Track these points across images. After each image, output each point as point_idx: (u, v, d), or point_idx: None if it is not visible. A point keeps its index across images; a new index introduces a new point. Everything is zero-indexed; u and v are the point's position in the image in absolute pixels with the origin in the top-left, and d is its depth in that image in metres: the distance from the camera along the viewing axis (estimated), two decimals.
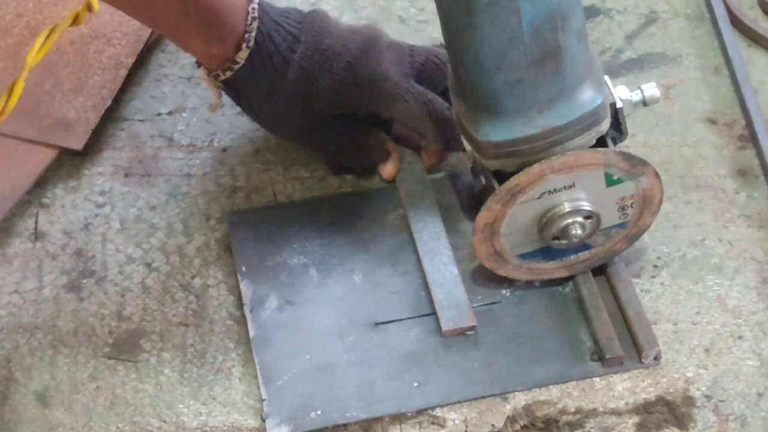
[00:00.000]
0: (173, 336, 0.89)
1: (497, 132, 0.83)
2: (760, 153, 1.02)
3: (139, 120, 1.05)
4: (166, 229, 0.96)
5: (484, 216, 0.85)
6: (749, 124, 1.05)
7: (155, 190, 0.99)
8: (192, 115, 1.05)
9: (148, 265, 0.93)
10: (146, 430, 0.83)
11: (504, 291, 0.92)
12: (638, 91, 0.86)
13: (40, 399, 0.85)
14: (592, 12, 1.16)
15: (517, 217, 0.85)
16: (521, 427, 0.85)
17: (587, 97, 0.82)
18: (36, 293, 0.91)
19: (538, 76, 0.80)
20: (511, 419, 0.85)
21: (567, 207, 0.85)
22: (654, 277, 0.94)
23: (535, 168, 0.82)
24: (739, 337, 0.90)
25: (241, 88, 0.94)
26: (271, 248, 0.94)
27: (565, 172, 0.83)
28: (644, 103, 0.86)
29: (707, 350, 0.89)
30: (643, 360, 0.87)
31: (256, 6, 0.90)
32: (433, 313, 0.90)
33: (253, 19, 0.90)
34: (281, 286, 0.91)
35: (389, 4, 1.16)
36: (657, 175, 0.85)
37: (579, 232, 0.85)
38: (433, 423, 0.85)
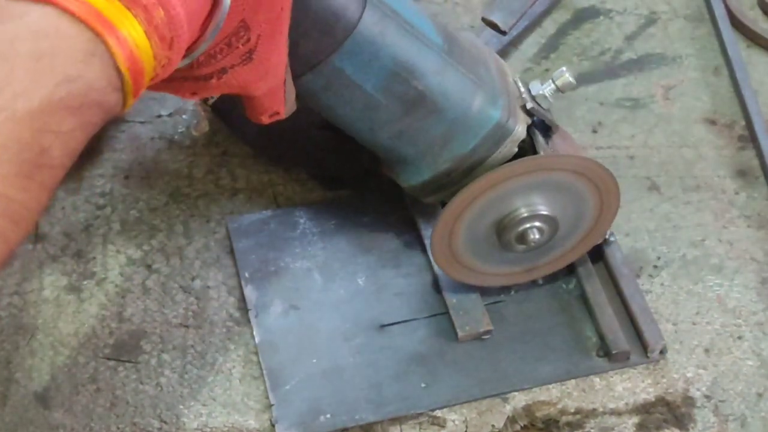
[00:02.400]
0: (173, 337, 0.89)
1: (413, 177, 0.84)
2: (759, 153, 1.02)
3: (140, 122, 1.05)
4: (167, 231, 0.96)
5: (436, 247, 0.85)
6: (749, 124, 1.05)
7: (155, 191, 0.99)
8: (192, 117, 1.05)
9: (149, 266, 0.93)
10: (146, 431, 0.83)
11: (508, 289, 0.92)
12: (549, 81, 0.84)
13: (41, 400, 0.85)
14: (591, 13, 1.16)
15: (471, 234, 0.84)
16: (521, 427, 0.85)
17: (484, 116, 0.80)
18: (36, 294, 0.91)
19: (418, 121, 0.80)
20: (511, 419, 0.85)
21: (524, 212, 0.83)
22: (654, 277, 0.94)
23: (455, 203, 0.81)
24: (739, 338, 0.90)
25: (231, 109, 0.94)
26: (273, 253, 0.94)
27: (490, 192, 0.81)
28: (560, 91, 0.84)
29: (707, 350, 0.89)
30: (649, 354, 0.87)
31: None
32: (439, 314, 0.90)
33: None
34: (285, 291, 0.91)
35: None
36: (604, 168, 0.83)
37: (537, 236, 0.84)
38: (433, 423, 0.85)
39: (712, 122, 1.06)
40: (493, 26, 1.03)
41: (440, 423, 0.85)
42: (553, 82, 0.83)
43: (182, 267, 0.94)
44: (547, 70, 1.10)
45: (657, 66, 1.11)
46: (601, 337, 0.88)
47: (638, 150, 1.03)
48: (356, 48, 0.75)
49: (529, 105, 0.82)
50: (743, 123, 1.06)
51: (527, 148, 0.83)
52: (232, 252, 0.94)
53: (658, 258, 0.95)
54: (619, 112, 1.07)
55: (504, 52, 1.11)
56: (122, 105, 0.55)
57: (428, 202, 0.88)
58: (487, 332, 0.88)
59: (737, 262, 0.95)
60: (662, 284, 0.93)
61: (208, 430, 0.84)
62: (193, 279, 0.93)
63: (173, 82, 0.65)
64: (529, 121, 0.82)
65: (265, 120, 0.75)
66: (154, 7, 0.54)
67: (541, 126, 0.84)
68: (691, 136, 1.05)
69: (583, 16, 1.16)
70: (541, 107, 0.83)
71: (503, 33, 1.04)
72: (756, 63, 1.11)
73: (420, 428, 0.84)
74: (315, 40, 0.74)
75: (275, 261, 0.93)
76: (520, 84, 0.84)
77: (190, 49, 0.61)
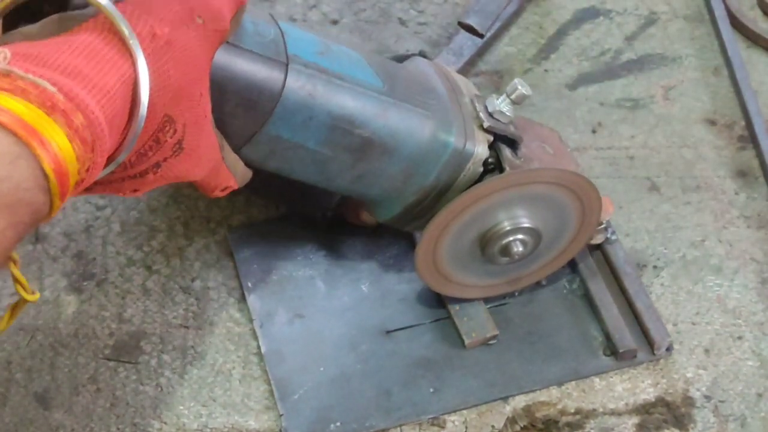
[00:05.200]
0: (173, 338, 0.89)
1: (386, 212, 0.85)
2: (759, 154, 1.02)
3: None
4: (167, 232, 0.96)
5: (420, 264, 0.85)
6: (749, 124, 1.05)
7: (156, 192, 0.99)
8: None
9: (149, 267, 0.94)
10: (146, 431, 0.83)
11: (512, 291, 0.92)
12: (504, 95, 0.83)
13: (41, 401, 0.85)
14: (591, 13, 1.16)
15: (455, 250, 0.84)
16: (521, 428, 0.85)
17: (438, 145, 0.80)
18: None
19: (373, 164, 0.80)
20: (511, 420, 0.85)
21: (507, 226, 0.83)
22: (654, 277, 0.94)
23: (428, 232, 0.81)
24: (739, 338, 0.90)
25: None
26: (275, 262, 0.93)
27: (468, 211, 0.81)
28: (516, 103, 0.83)
29: (707, 350, 0.89)
30: (655, 352, 0.87)
31: None
32: (444, 318, 0.90)
33: None
34: (289, 300, 0.91)
35: (389, 6, 1.16)
36: (579, 175, 0.83)
37: (521, 248, 0.83)
38: (433, 425, 0.85)
39: (712, 122, 1.06)
40: (470, 30, 1.04)
41: (440, 424, 0.85)
42: (508, 96, 0.83)
43: (182, 268, 0.94)
44: (546, 70, 1.10)
45: (657, 66, 1.11)
46: (608, 336, 0.88)
47: (638, 150, 1.03)
48: (287, 114, 0.75)
49: (486, 124, 0.82)
50: (743, 123, 1.06)
51: (497, 164, 0.82)
52: (232, 253, 0.94)
53: (658, 258, 0.95)
54: (619, 113, 1.07)
55: (501, 54, 1.11)
56: (50, 206, 0.57)
57: (409, 231, 0.89)
58: (494, 337, 0.88)
59: (737, 262, 0.95)
60: (662, 284, 0.93)
61: (208, 430, 0.84)
62: (193, 280, 0.93)
63: (113, 183, 0.67)
64: (490, 139, 0.82)
65: (219, 194, 0.77)
66: (73, 112, 0.56)
67: (507, 140, 0.84)
68: (691, 136, 1.05)
69: (583, 17, 1.16)
70: (501, 122, 0.83)
71: (481, 36, 1.04)
72: (756, 63, 1.11)
73: (420, 429, 0.84)
74: (243, 117, 0.74)
75: (277, 270, 0.93)
76: (476, 103, 0.83)
77: (117, 152, 0.63)
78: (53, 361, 0.87)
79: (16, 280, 0.63)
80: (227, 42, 0.71)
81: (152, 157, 0.66)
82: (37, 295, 0.64)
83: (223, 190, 0.76)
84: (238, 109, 0.73)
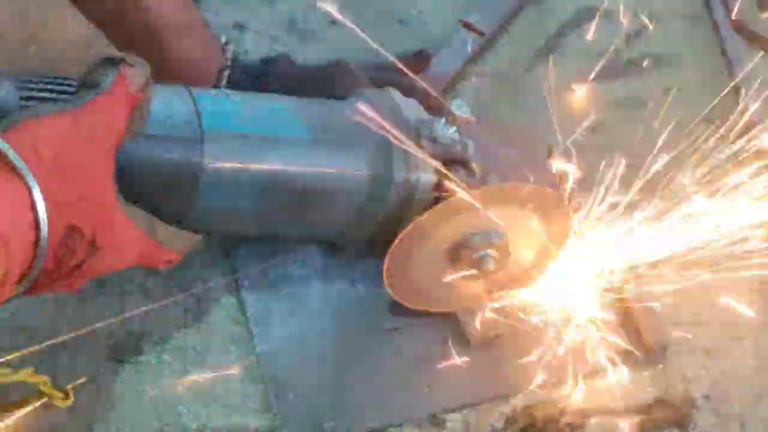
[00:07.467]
0: (173, 338, 0.89)
1: (352, 249, 0.87)
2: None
3: None
4: None
5: (393, 285, 0.85)
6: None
7: None
8: None
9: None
10: (146, 431, 0.83)
11: None
12: (443, 120, 0.83)
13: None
14: (591, 13, 1.16)
15: (426, 267, 0.84)
16: (521, 428, 0.85)
17: (380, 180, 0.80)
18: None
19: (315, 212, 0.81)
20: (511, 420, 0.85)
21: (476, 241, 0.83)
22: (654, 278, 0.94)
23: (385, 273, 0.82)
24: (739, 338, 0.90)
25: None
26: (272, 261, 0.94)
27: (428, 233, 0.81)
28: (460, 124, 0.83)
29: (707, 351, 0.89)
30: (652, 354, 0.88)
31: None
32: (439, 318, 0.90)
33: None
34: (285, 299, 0.91)
35: (389, 6, 1.16)
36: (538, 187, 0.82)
37: (491, 263, 0.83)
38: (433, 424, 0.85)
39: (712, 122, 1.06)
40: (472, 28, 1.04)
41: (440, 423, 0.85)
42: (446, 119, 0.83)
43: (182, 267, 0.93)
44: (546, 70, 1.10)
45: (657, 66, 1.11)
46: (605, 338, 0.88)
47: (638, 149, 1.03)
48: (214, 186, 0.76)
49: (430, 150, 0.81)
50: (743, 123, 1.06)
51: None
52: (230, 254, 0.94)
53: (659, 259, 0.95)
54: (619, 112, 1.07)
55: (501, 53, 1.11)
56: None
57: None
58: (498, 336, 0.88)
59: (737, 262, 0.95)
60: (662, 285, 0.93)
61: (208, 430, 0.84)
62: (193, 280, 0.93)
63: (54, 283, 0.70)
64: (438, 164, 0.81)
65: (164, 266, 0.78)
66: None
67: (458, 161, 0.83)
68: (691, 136, 1.05)
69: (583, 16, 1.16)
70: (445, 145, 0.82)
71: (481, 34, 1.05)
72: (756, 63, 1.11)
73: (420, 428, 0.85)
74: (172, 198, 0.75)
75: (274, 269, 0.93)
76: (420, 130, 0.83)
77: (32, 264, 0.66)
78: (54, 362, 0.87)
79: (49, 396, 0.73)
80: (138, 133, 0.72)
81: (69, 262, 0.69)
82: (71, 400, 0.74)
83: (166, 263, 0.78)
84: (164, 192, 0.74)
